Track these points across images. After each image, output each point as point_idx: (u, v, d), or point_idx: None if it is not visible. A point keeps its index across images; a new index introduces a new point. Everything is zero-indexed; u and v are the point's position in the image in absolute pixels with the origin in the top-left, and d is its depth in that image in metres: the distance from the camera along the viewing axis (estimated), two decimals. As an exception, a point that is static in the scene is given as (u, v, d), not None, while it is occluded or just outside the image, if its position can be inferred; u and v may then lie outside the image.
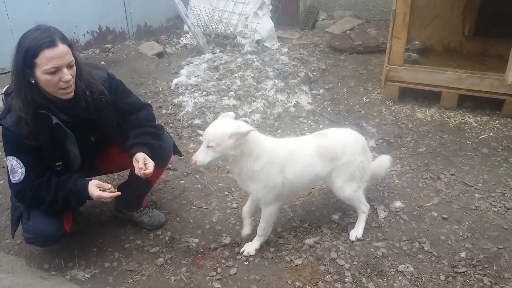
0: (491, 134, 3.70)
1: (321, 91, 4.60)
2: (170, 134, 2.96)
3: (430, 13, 4.86)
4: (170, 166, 3.32)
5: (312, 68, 5.16)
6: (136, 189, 2.70)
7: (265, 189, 2.36)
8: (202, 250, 2.57)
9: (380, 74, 4.80)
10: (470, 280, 2.32)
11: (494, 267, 2.40)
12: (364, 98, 4.43)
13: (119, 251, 2.59)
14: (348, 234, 2.63)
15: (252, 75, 4.62)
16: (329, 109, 4.22)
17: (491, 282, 2.30)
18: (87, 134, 2.45)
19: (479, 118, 3.98)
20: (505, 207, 2.84)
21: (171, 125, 3.94)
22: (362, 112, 4.17)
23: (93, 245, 2.64)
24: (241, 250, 2.53)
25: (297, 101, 4.27)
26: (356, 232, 2.62)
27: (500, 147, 3.51)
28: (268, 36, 5.99)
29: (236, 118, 3.80)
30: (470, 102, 4.16)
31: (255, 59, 5.07)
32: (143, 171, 2.31)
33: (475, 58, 4.65)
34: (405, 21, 4.12)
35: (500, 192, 2.98)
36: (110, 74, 2.49)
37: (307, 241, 2.59)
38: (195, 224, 2.79)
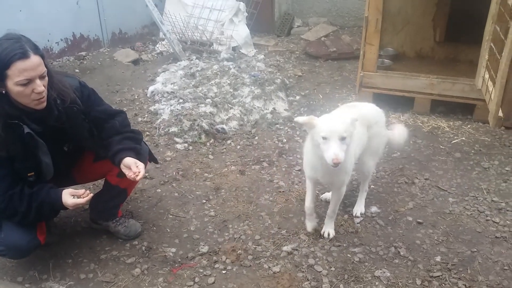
0: (463, 138, 3.80)
1: (298, 97, 4.63)
2: (147, 142, 2.93)
3: (402, 20, 4.96)
4: (147, 174, 3.28)
5: (288, 75, 5.20)
6: (111, 199, 2.66)
7: (350, 169, 2.50)
8: (179, 260, 2.54)
9: (354, 81, 4.87)
10: (445, 284, 2.36)
11: (468, 271, 2.45)
12: (339, 104, 4.40)
13: (95, 262, 2.54)
14: (324, 237, 2.66)
15: (228, 82, 4.62)
16: (305, 115, 4.23)
17: (465, 285, 2.35)
18: (59, 143, 2.41)
19: (451, 123, 4.07)
20: (478, 210, 2.91)
21: (148, 133, 3.90)
22: (338, 118, 4.20)
23: (68, 256, 2.58)
24: (325, 235, 2.66)
25: (273, 108, 4.28)
26: (360, 208, 2.86)
27: (472, 151, 3.60)
28: (244, 43, 6.00)
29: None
30: (442, 107, 4.26)
31: (231, 66, 5.07)
32: (138, 177, 2.31)
33: (447, 64, 4.77)
34: (378, 27, 4.19)
35: (473, 196, 3.05)
36: (81, 82, 2.45)
37: (285, 248, 2.59)
38: (172, 233, 2.76)
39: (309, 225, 2.70)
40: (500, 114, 3.44)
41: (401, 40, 5.11)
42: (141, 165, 2.36)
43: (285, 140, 3.80)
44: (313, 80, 5.15)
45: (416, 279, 2.38)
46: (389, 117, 4.18)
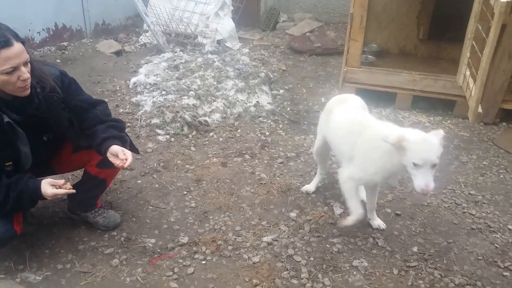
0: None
1: (281, 91, 4.64)
2: (128, 133, 2.90)
3: (387, 17, 5.00)
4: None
5: (273, 69, 5.20)
6: (90, 190, 2.63)
7: None
8: (158, 250, 2.53)
9: (338, 76, 4.90)
10: (421, 274, 2.40)
11: (444, 261, 2.49)
12: (322, 99, 4.50)
13: (73, 252, 2.51)
14: (305, 230, 2.67)
15: (212, 74, 4.61)
16: (288, 109, 4.26)
17: (441, 275, 2.39)
18: (39, 133, 2.37)
19: (432, 118, 4.13)
20: (455, 203, 2.96)
21: (129, 124, 3.87)
22: (321, 112, 4.20)
23: (45, 247, 2.55)
24: (379, 227, 2.69)
25: (257, 101, 4.29)
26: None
27: (451, 146, 3.66)
28: (229, 37, 5.99)
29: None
30: (424, 102, 4.31)
31: (215, 59, 5.06)
32: (126, 164, 2.30)
33: (429, 61, 4.83)
34: (362, 24, 4.22)
35: (450, 189, 3.10)
36: (62, 71, 2.42)
37: (265, 238, 2.60)
38: (152, 224, 2.74)
39: (356, 215, 2.54)
40: (480, 110, 3.50)
41: (385, 37, 5.15)
42: (128, 152, 2.34)
43: (267, 133, 3.81)
44: (297, 74, 5.17)
45: (393, 268, 2.42)
46: (371, 112, 4.21)
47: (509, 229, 2.74)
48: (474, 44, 3.71)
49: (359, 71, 4.39)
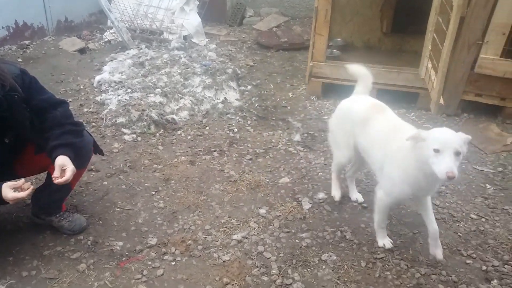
0: (407, 125, 3.93)
1: (249, 87, 4.64)
2: (92, 134, 2.84)
3: (351, 11, 5.07)
4: (92, 167, 3.19)
5: (240, 65, 5.19)
6: (54, 193, 2.56)
7: None
8: (127, 253, 2.49)
9: (305, 71, 4.92)
10: (388, 265, 2.45)
11: (410, 251, 2.56)
12: (290, 94, 4.53)
13: (38, 258, 2.44)
14: (274, 226, 2.69)
15: (179, 71, 4.56)
16: (256, 105, 4.26)
17: (407, 265, 2.45)
18: (0, 135, 2.29)
19: (396, 111, 4.11)
20: (419, 193, 3.04)
21: (93, 124, 3.78)
22: (288, 107, 4.26)
23: (9, 253, 2.47)
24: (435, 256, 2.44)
25: (225, 98, 4.27)
26: None
27: (415, 137, 3.74)
28: (195, 32, 5.93)
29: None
30: (388, 95, 4.36)
31: (182, 55, 5.00)
32: (57, 180, 2.20)
33: (393, 54, 4.92)
34: (327, 18, 4.26)
35: (414, 180, 3.18)
36: (22, 69, 2.33)
37: (235, 236, 2.61)
38: (120, 227, 2.70)
39: (387, 242, 2.57)
40: (441, 101, 3.60)
41: (349, 30, 5.22)
42: (68, 168, 2.24)
43: (236, 130, 3.80)
44: (265, 70, 5.17)
45: (361, 261, 2.46)
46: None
47: (472, 218, 2.83)
48: (435, 37, 3.80)
49: (325, 65, 4.43)
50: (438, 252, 2.44)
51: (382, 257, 2.50)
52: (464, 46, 3.86)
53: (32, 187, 2.19)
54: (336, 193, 2.93)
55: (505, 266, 2.46)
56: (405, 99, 4.34)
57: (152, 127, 3.73)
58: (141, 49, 5.28)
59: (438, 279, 2.38)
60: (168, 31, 5.76)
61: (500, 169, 3.33)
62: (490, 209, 2.91)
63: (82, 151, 2.44)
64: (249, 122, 3.96)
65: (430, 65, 3.91)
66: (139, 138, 3.62)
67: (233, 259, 2.45)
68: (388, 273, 2.40)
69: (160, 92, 4.09)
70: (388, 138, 2.38)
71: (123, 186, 3.06)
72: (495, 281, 2.36)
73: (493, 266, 2.46)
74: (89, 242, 2.55)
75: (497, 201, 2.98)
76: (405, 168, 2.25)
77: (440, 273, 2.41)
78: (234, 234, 2.63)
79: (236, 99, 4.32)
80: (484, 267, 2.45)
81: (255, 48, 5.87)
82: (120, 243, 2.56)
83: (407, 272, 2.41)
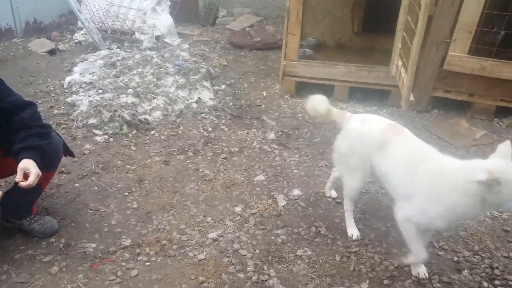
0: (379, 122, 4.00)
1: (223, 86, 4.63)
2: (63, 136, 2.79)
3: (322, 11, 5.12)
4: (63, 169, 3.12)
5: (214, 64, 5.18)
6: (23, 196, 2.49)
7: None
8: (100, 255, 2.45)
9: (278, 70, 4.94)
10: (362, 259, 2.49)
11: (384, 244, 2.60)
12: (264, 93, 4.54)
13: (8, 263, 2.38)
14: (250, 224, 2.69)
15: (151, 71, 4.51)
16: (231, 104, 4.26)
17: (381, 258, 2.50)
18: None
19: (368, 108, 4.28)
20: (391, 188, 3.09)
21: (64, 125, 3.70)
22: (263, 106, 4.27)
23: (-23, 259, 2.40)
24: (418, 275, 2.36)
25: (199, 97, 4.25)
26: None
27: (387, 134, 3.81)
28: (167, 32, 5.88)
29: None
30: (360, 93, 4.46)
31: (154, 55, 4.96)
32: (20, 184, 2.14)
33: (364, 53, 4.99)
34: (299, 18, 4.29)
35: (387, 175, 3.23)
36: None
37: (210, 235, 2.60)
38: (92, 228, 2.65)
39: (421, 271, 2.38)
40: (412, 98, 3.67)
41: (321, 30, 5.27)
42: (32, 171, 2.16)
43: (210, 129, 3.79)
44: (238, 69, 5.17)
45: (336, 255, 2.49)
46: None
47: (441, 210, 2.90)
48: (405, 35, 3.88)
49: (298, 64, 4.46)
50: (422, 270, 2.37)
51: (356, 251, 2.53)
52: (432, 44, 3.95)
53: (0, 191, 2.13)
54: (353, 231, 2.63)
55: (475, 256, 2.53)
56: (377, 96, 4.41)
57: (125, 127, 3.68)
58: (112, 49, 5.20)
59: (411, 271, 2.42)
60: (139, 32, 5.69)
61: (469, 163, 3.42)
62: (459, 201, 2.99)
63: (50, 153, 2.38)
64: (223, 121, 3.95)
65: (400, 63, 3.99)
66: (111, 139, 3.56)
67: (209, 258, 2.44)
68: (362, 266, 2.44)
69: (132, 93, 4.04)
70: (414, 165, 2.17)
71: (95, 188, 3.01)
72: (466, 271, 2.43)
73: (463, 256, 2.53)
74: (61, 245, 2.50)
75: (466, 194, 3.06)
76: (449, 207, 2.01)
77: (413, 265, 2.46)
78: (210, 232, 2.62)
79: (210, 99, 4.30)
80: (455, 258, 2.51)
81: (229, 48, 5.86)
82: (93, 245, 2.51)
83: (381, 265, 2.45)
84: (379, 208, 2.90)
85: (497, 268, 2.45)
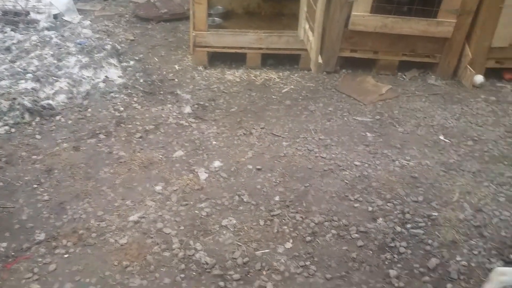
0: (292, 86, 4.08)
1: (132, 62, 4.42)
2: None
3: (228, -23, 5.02)
4: (-41, 167, 2.84)
5: (120, 40, 4.91)
6: None
7: None
8: (13, 253, 2.29)
9: (189, 41, 4.82)
10: (285, 220, 2.57)
11: (304, 204, 2.69)
12: (176, 66, 4.41)
13: None
14: (172, 201, 2.65)
15: (51, 53, 4.18)
16: (141, 80, 4.08)
17: (302, 217, 2.59)
18: None
19: (281, 74, 4.33)
20: (308, 149, 3.19)
21: (-45, 120, 3.34)
22: (176, 80, 4.15)
23: None
24: None
25: (106, 76, 4.02)
26: None
27: (300, 97, 3.90)
28: (66, 10, 5.45)
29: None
30: (272, 60, 4.49)
31: (53, 35, 4.58)
32: None
33: (273, 18, 5.00)
34: (204, -14, 4.17)
35: (303, 137, 3.33)
36: None
37: (131, 218, 2.52)
38: (1, 227, 2.45)
39: None
40: (320, 60, 3.76)
41: (229, -2, 5.18)
42: None
43: (122, 109, 3.62)
44: (147, 43, 4.96)
45: (259, 220, 2.54)
46: (225, 74, 4.27)
47: (356, 165, 3.05)
48: (310, -1, 3.93)
49: (207, 34, 4.37)
50: None
51: (279, 213, 2.60)
52: (336, 5, 4.05)
53: None
54: None
55: (388, 204, 2.71)
56: (288, 61, 4.47)
57: (26, 115, 3.40)
58: (5, 32, 4.72)
59: (330, 225, 2.55)
60: (35, 11, 5.22)
61: (378, 117, 3.62)
62: (371, 154, 3.17)
63: None
64: (135, 99, 3.79)
65: (307, 27, 4.05)
66: (13, 130, 3.28)
67: (131, 241, 2.37)
68: (286, 227, 2.52)
69: (31, 77, 3.72)
70: None
71: (0, 183, 2.77)
72: (381, 219, 2.60)
73: (377, 205, 2.70)
74: (-35, 250, 2.29)
75: (377, 147, 3.25)
76: None
77: (332, 220, 2.58)
78: (130, 216, 2.54)
79: (118, 77, 4.09)
80: (370, 208, 2.68)
81: (134, 22, 5.58)
82: (4, 244, 2.33)
83: (302, 223, 2.55)
84: (297, 170, 2.98)
85: (408, 212, 2.65)
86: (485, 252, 2.41)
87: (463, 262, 2.34)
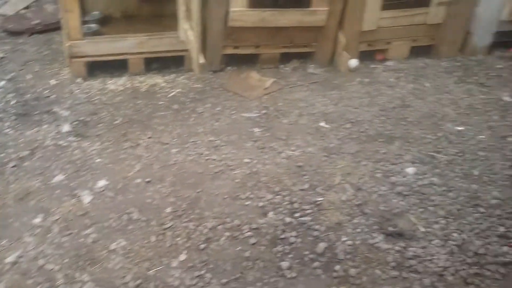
0: (179, 90, 4.00)
1: (2, 83, 4.04)
2: None
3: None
4: None
5: (-15, 61, 4.48)
6: None
7: None
8: None
9: (64, 52, 4.53)
10: (177, 231, 2.52)
11: (196, 211, 2.66)
12: (52, 81, 4.12)
13: None
14: (54, 232, 2.48)
15: None
16: (13, 102, 3.75)
17: (195, 225, 2.56)
18: None
19: (167, 77, 4.23)
20: (198, 153, 3.16)
21: None
22: (52, 96, 3.87)
23: None
24: None
25: (-29, 103, 3.65)
26: None
27: (188, 100, 3.84)
28: None
29: None
30: (156, 63, 4.37)
31: None
32: None
33: (153, 21, 4.83)
34: (72, -8, 3.92)
35: (192, 142, 3.28)
36: None
37: (8, 259, 2.32)
38: None
39: None
40: (202, 60, 3.73)
41: (106, 2, 4.92)
42: None
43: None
44: (19, 59, 4.57)
45: (151, 236, 2.47)
46: (106, 84, 4.08)
47: (246, 162, 3.08)
48: (187, -3, 3.86)
49: (84, 43, 4.13)
50: None
51: (171, 226, 2.56)
52: (214, 2, 4.03)
53: None
54: None
55: (277, 196, 2.78)
56: (173, 63, 4.37)
57: None
58: None
59: (223, 228, 2.56)
60: None
61: (264, 111, 3.68)
62: (259, 149, 3.22)
63: None
64: (7, 123, 3.47)
65: (187, 26, 3.99)
66: None
67: (10, 286, 2.19)
68: (179, 238, 2.48)
69: None
70: None
71: None
72: (271, 213, 2.66)
73: (267, 200, 2.75)
74: None
75: (264, 141, 3.31)
76: None
77: (225, 222, 2.59)
78: (7, 257, 2.33)
79: (-14, 102, 3.73)
80: (260, 204, 2.72)
81: (3, 37, 5.10)
82: None
83: (196, 231, 2.52)
84: (188, 176, 2.94)
85: (296, 202, 2.74)
86: (368, 228, 2.57)
87: (349, 242, 2.48)
